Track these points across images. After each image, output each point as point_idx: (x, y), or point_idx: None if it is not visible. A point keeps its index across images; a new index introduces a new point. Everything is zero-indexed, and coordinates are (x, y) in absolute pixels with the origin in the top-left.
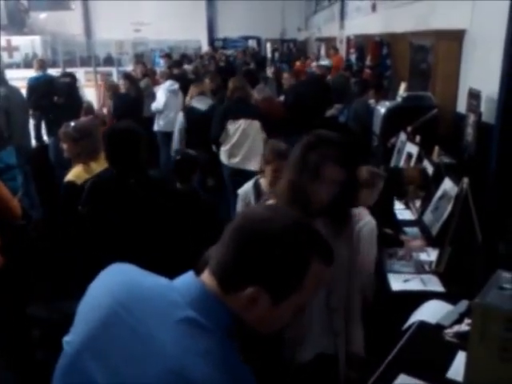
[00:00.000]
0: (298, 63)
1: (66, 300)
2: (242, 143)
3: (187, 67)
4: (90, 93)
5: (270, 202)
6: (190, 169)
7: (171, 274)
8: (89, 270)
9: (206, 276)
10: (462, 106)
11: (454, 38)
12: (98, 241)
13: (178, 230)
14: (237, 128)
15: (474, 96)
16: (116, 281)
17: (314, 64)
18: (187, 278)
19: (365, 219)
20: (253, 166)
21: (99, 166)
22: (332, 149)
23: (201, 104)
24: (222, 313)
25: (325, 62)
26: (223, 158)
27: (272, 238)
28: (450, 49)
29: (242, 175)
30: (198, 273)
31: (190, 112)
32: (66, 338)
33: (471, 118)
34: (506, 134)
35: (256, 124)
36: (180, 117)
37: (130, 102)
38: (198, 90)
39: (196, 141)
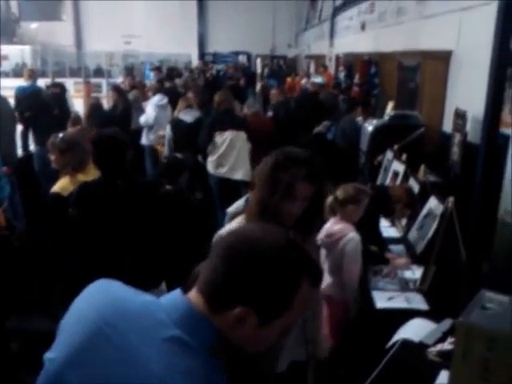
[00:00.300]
0: (289, 79)
1: (48, 313)
2: (229, 153)
3: (177, 81)
4: (79, 104)
5: (240, 218)
6: (177, 171)
7: (160, 273)
8: (82, 273)
9: (194, 294)
10: (448, 126)
11: (441, 59)
12: (88, 243)
13: (167, 228)
14: (224, 139)
15: (460, 116)
16: (101, 297)
17: (304, 81)
18: (174, 296)
19: (349, 235)
20: (239, 175)
21: (86, 177)
22: (302, 168)
23: (188, 116)
24: (207, 332)
25: (318, 79)
26: (210, 167)
27: (263, 259)
28: (436, 69)
29: (229, 184)
30: (186, 290)
31: (176, 124)
32: (48, 355)
33: (457, 138)
34: (490, 154)
35: (242, 135)
36: (168, 129)
37: (111, 118)
38: (186, 103)
39: (183, 151)
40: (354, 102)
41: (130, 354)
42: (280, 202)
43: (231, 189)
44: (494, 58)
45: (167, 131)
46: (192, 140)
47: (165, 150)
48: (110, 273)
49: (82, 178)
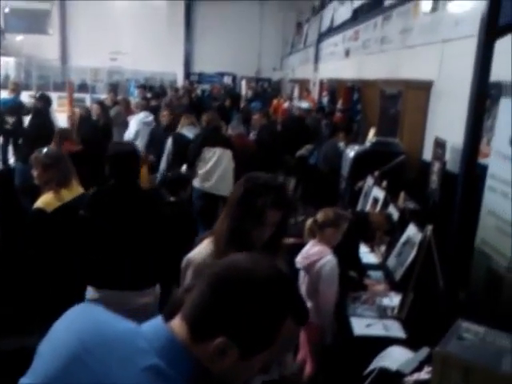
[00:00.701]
0: (275, 101)
1: (27, 333)
2: (216, 169)
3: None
4: (62, 118)
5: (207, 241)
6: (180, 185)
7: (157, 274)
8: (83, 274)
9: (177, 321)
10: (427, 154)
11: (422, 89)
12: (94, 242)
13: (165, 234)
14: (212, 155)
15: (440, 145)
16: (81, 322)
17: (287, 104)
18: (156, 324)
19: (326, 257)
20: (223, 191)
21: (70, 193)
22: (272, 194)
23: (189, 132)
24: (187, 362)
25: (305, 104)
26: (196, 181)
27: (252, 292)
28: (417, 98)
29: (211, 200)
30: (170, 317)
31: (178, 138)
32: (24, 380)
33: (436, 166)
34: (469, 184)
35: (229, 153)
36: (169, 143)
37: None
38: (189, 120)
39: (181, 163)
40: (336, 127)
41: (108, 382)
42: (250, 227)
43: (212, 204)
44: (473, 90)
45: (168, 145)
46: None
47: (162, 164)
48: (111, 271)
49: (65, 194)
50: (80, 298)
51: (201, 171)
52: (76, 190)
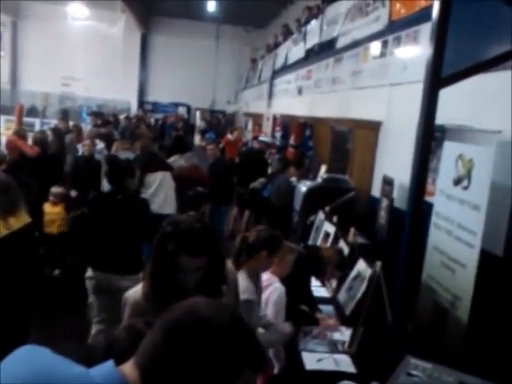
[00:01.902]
0: (228, 136)
1: None
2: (159, 192)
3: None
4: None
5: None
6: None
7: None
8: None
9: (129, 367)
10: (376, 190)
11: (371, 128)
12: (94, 232)
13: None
14: (154, 179)
15: (388, 182)
16: (26, 366)
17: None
18: (107, 368)
19: (274, 285)
20: (168, 210)
21: (18, 222)
22: (187, 240)
23: (124, 155)
24: None
25: (265, 138)
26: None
27: (208, 341)
28: (367, 137)
29: (158, 218)
30: (116, 358)
31: (113, 158)
32: None
33: (384, 203)
34: (415, 221)
35: (169, 174)
36: (103, 164)
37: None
38: (124, 146)
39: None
40: (287, 161)
41: None
42: (170, 273)
43: (159, 222)
44: (419, 134)
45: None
46: None
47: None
48: (104, 257)
49: (13, 222)
50: (24, 334)
51: (145, 195)
52: (24, 218)
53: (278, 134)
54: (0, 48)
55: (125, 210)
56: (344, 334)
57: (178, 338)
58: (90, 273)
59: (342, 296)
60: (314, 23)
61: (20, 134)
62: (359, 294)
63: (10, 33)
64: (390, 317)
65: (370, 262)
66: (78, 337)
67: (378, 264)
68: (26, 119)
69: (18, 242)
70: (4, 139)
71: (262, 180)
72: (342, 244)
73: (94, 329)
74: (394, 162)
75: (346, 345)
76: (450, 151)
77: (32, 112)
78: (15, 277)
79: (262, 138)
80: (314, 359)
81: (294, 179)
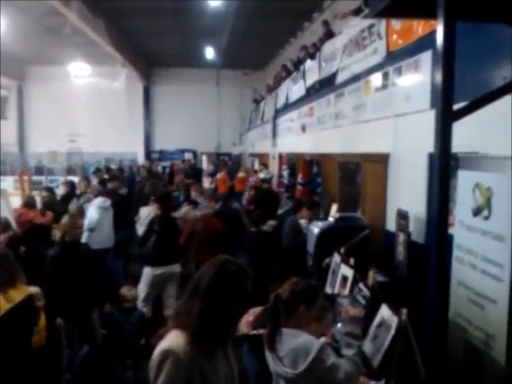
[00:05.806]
0: (241, 174)
1: None
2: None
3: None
4: (18, 202)
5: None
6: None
7: None
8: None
9: None
10: (390, 224)
11: (380, 161)
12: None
13: None
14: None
15: (403, 216)
16: None
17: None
18: None
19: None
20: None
21: (19, 293)
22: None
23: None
24: None
25: (262, 174)
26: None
27: None
28: (376, 170)
29: None
30: None
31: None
32: None
33: (401, 238)
34: (440, 257)
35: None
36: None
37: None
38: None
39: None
40: (299, 203)
41: None
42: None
43: None
44: (437, 168)
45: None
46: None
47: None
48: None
49: (14, 294)
50: None
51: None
52: (24, 290)
53: (285, 172)
54: (4, 112)
55: None
56: None
57: None
58: None
59: (367, 346)
60: (311, 61)
61: (29, 205)
62: (386, 344)
63: (15, 96)
64: (424, 372)
65: (394, 308)
66: None
67: (404, 312)
68: (34, 177)
69: (19, 316)
70: (13, 214)
71: (271, 222)
72: (361, 286)
73: None
74: (406, 193)
75: None
76: (465, 180)
77: (39, 171)
78: (13, 349)
79: (260, 176)
80: None
81: (303, 221)
